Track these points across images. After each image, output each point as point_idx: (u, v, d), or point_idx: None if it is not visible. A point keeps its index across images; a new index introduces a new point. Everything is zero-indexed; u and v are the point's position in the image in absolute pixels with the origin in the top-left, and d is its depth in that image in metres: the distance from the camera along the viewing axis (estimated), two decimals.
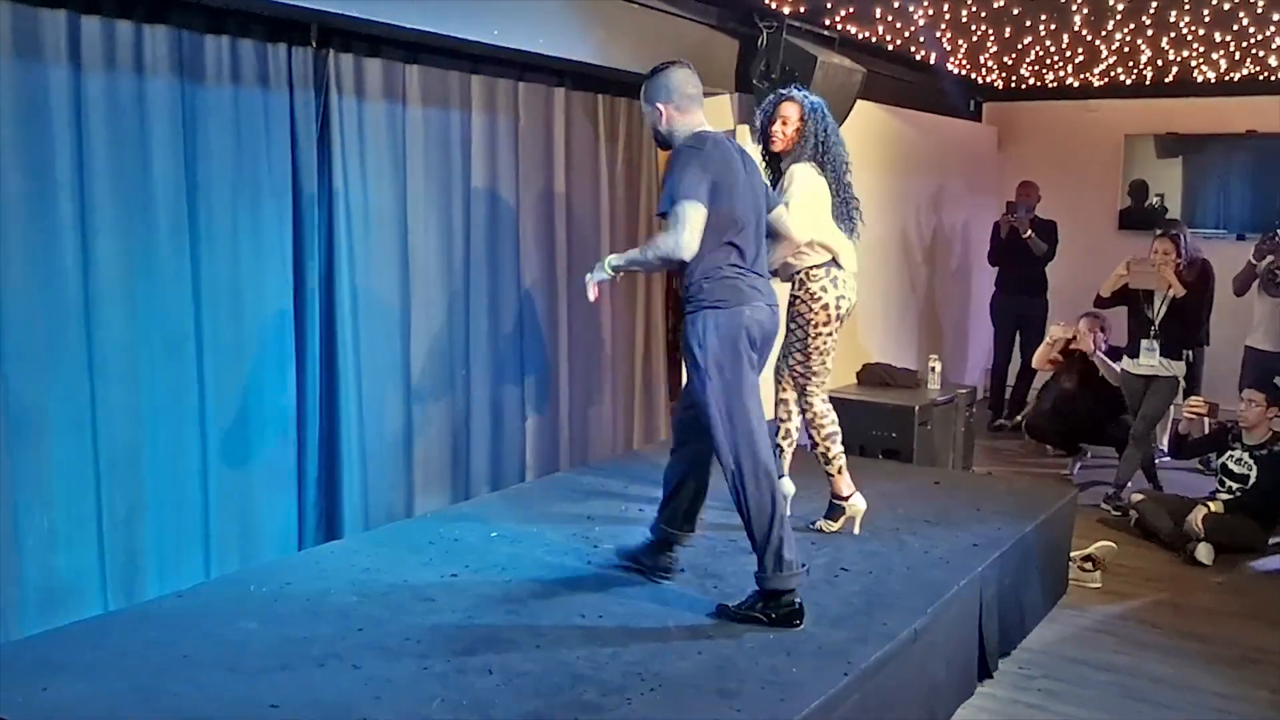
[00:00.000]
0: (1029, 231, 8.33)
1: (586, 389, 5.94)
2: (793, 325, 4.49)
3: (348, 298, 4.59)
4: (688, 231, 3.44)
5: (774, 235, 4.01)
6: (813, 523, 4.59)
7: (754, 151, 4.35)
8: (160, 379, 4.02)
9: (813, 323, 4.43)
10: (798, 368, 4.52)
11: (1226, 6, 5.73)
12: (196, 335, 4.13)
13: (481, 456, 5.35)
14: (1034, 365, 7.83)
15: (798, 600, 3.58)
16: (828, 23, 6.38)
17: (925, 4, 5.88)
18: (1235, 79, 8.34)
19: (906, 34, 6.80)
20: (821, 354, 4.49)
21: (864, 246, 7.75)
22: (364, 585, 3.81)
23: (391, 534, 4.47)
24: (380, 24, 4.27)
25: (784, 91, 4.56)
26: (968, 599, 4.03)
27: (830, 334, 4.47)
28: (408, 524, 4.69)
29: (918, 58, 7.71)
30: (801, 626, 3.53)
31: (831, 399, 4.80)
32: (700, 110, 3.73)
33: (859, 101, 6.60)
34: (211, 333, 4.17)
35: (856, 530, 4.57)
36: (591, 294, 3.71)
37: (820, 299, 4.41)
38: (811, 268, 4.42)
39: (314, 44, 4.40)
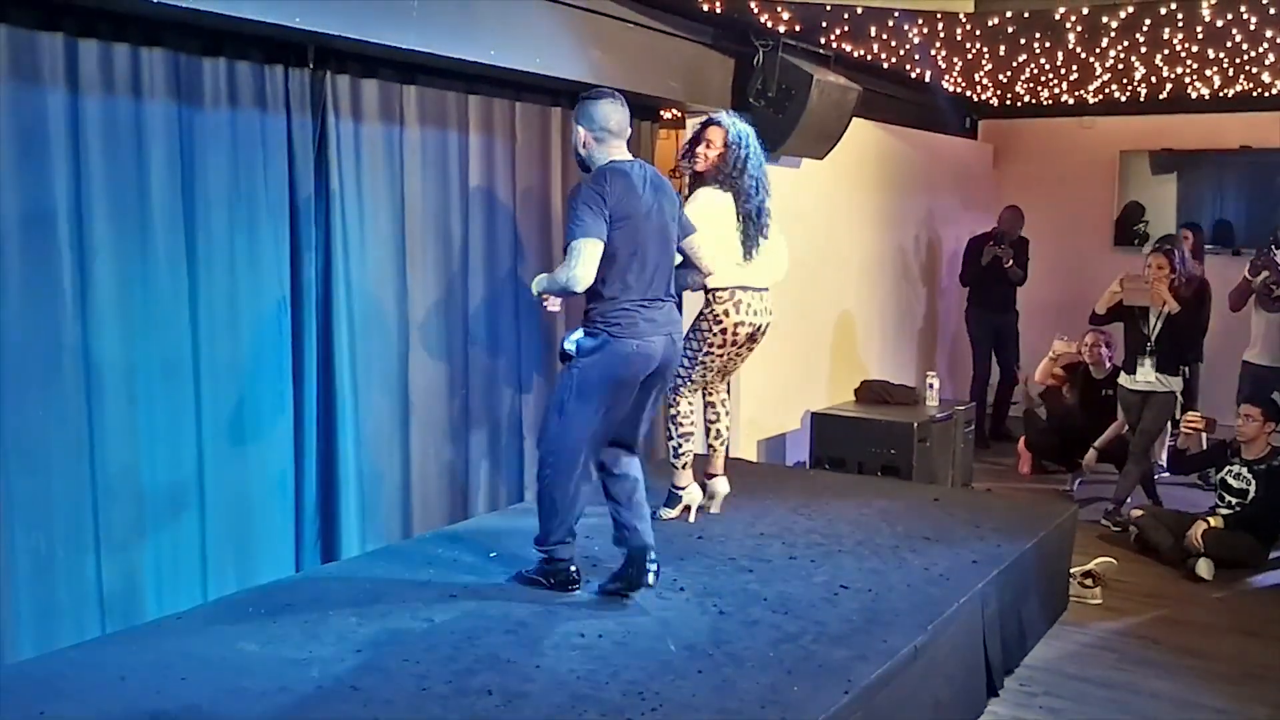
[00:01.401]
0: (1010, 262, 8.36)
1: None
2: (688, 337, 4.67)
3: (345, 319, 4.59)
4: (581, 266, 3.72)
5: (686, 262, 4.28)
6: (654, 512, 4.73)
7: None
8: (157, 401, 4.01)
9: (707, 340, 4.71)
10: (680, 372, 4.68)
11: (1220, 24, 5.75)
12: (194, 357, 4.12)
13: (480, 476, 5.34)
14: (1036, 379, 7.83)
15: (573, 567, 4.02)
16: (823, 41, 6.40)
17: (920, 22, 5.91)
18: (1229, 95, 8.37)
19: (902, 52, 6.83)
20: (706, 368, 4.77)
21: (859, 264, 7.90)
22: (362, 606, 3.80)
23: (390, 554, 4.47)
24: (377, 45, 4.28)
25: (714, 116, 4.82)
26: (968, 616, 4.02)
27: (723, 354, 4.77)
28: (406, 544, 4.68)
29: (913, 76, 7.74)
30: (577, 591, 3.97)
31: (830, 416, 4.86)
32: (620, 145, 3.96)
33: (855, 119, 6.63)
34: (209, 355, 4.16)
35: (691, 519, 4.91)
36: (551, 305, 4.10)
37: (721, 323, 4.68)
38: (717, 289, 4.65)
39: (311, 65, 4.40)
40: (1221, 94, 8.33)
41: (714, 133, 4.71)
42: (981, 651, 4.12)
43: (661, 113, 6.40)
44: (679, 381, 4.77)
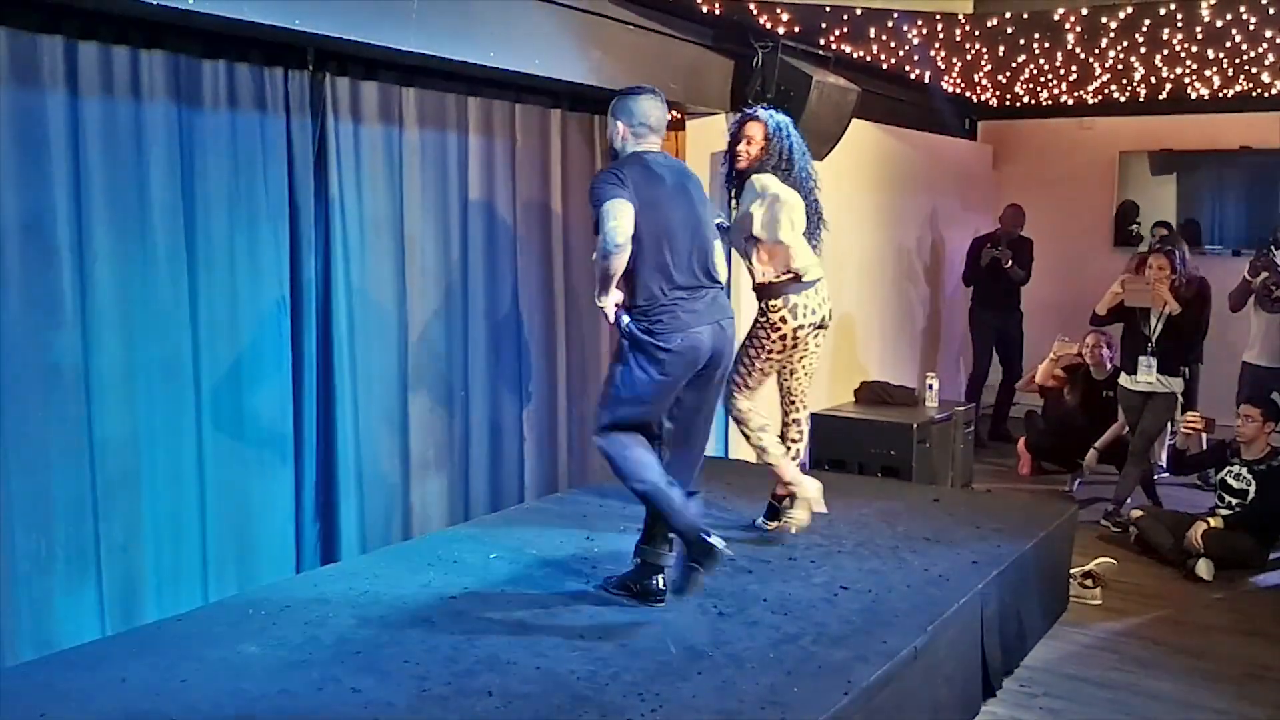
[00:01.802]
0: (1009, 263, 8.37)
1: (586, 409, 5.92)
2: (746, 340, 4.57)
3: (345, 320, 4.60)
4: (613, 220, 3.61)
5: (750, 241, 4.22)
6: (755, 521, 4.68)
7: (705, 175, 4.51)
8: (157, 402, 4.01)
9: (765, 347, 4.53)
10: (735, 375, 4.54)
11: (1219, 24, 5.76)
12: (193, 359, 4.13)
13: (480, 477, 5.34)
14: (1037, 381, 7.83)
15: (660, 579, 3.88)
16: (823, 42, 6.40)
17: (919, 23, 5.91)
18: (1229, 95, 8.38)
19: (901, 53, 6.83)
20: (764, 374, 4.60)
21: (859, 265, 7.90)
22: (363, 608, 3.80)
23: (390, 556, 4.47)
24: (377, 47, 4.28)
25: (749, 111, 4.64)
26: (968, 617, 4.02)
27: (781, 357, 4.58)
28: (406, 546, 4.68)
29: (912, 77, 7.74)
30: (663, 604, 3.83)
31: (830, 417, 4.77)
32: (655, 142, 3.91)
33: (854, 120, 6.63)
34: (208, 356, 4.17)
35: (822, 509, 4.68)
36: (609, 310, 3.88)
37: (780, 329, 4.49)
38: (772, 299, 4.48)
39: (310, 68, 4.41)
40: (1221, 94, 8.33)
41: (753, 128, 4.52)
42: (980, 652, 4.12)
43: None
44: (732, 387, 4.55)
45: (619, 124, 3.90)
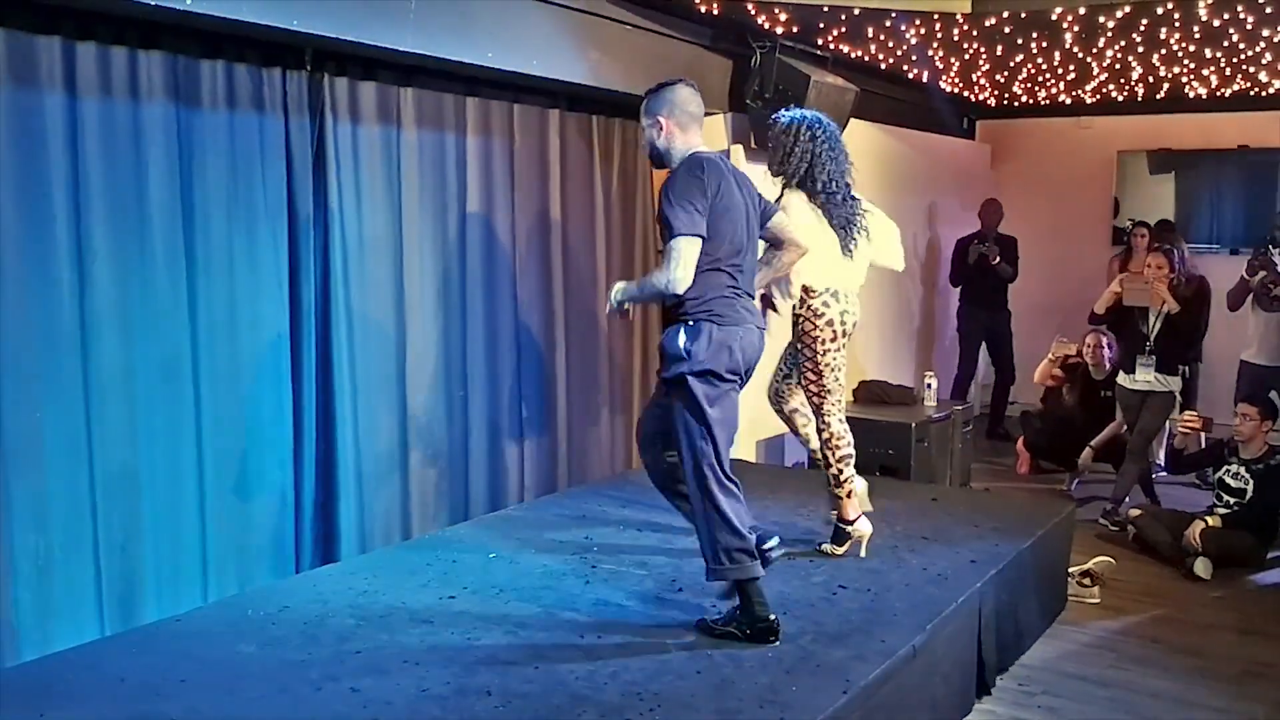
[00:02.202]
0: (997, 259, 8.37)
1: (584, 409, 5.94)
2: (800, 345, 4.46)
3: (344, 321, 4.60)
4: (681, 268, 3.45)
5: (776, 244, 4.01)
6: (818, 545, 4.53)
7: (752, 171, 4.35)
8: (156, 403, 4.02)
9: (820, 339, 4.38)
10: (812, 387, 4.45)
11: (1216, 23, 5.76)
12: (193, 359, 4.13)
13: (479, 478, 5.35)
14: (1035, 381, 7.83)
15: (772, 615, 3.58)
16: (821, 42, 6.41)
17: (917, 23, 5.91)
18: (1226, 95, 8.38)
19: (899, 53, 6.84)
20: (834, 370, 4.42)
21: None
22: (362, 607, 3.80)
23: (389, 556, 4.47)
24: (375, 48, 4.29)
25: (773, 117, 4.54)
26: (966, 616, 4.03)
27: (839, 350, 4.42)
28: (405, 546, 4.68)
29: (910, 76, 7.75)
30: (776, 643, 3.54)
31: None
32: (699, 131, 3.73)
33: (852, 120, 6.63)
34: (207, 357, 4.18)
35: (863, 553, 4.48)
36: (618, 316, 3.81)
37: (824, 314, 4.36)
38: (808, 286, 4.38)
39: (309, 68, 4.41)
40: (1219, 93, 8.34)
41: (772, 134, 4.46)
42: (976, 650, 4.12)
43: None
44: (819, 400, 4.44)
45: (661, 119, 3.65)
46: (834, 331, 4.39)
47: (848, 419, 4.56)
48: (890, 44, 6.54)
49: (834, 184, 4.42)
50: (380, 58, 4.53)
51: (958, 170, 9.41)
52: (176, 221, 4.05)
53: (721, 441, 3.59)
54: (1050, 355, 7.67)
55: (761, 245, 3.94)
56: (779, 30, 5.99)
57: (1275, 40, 6.20)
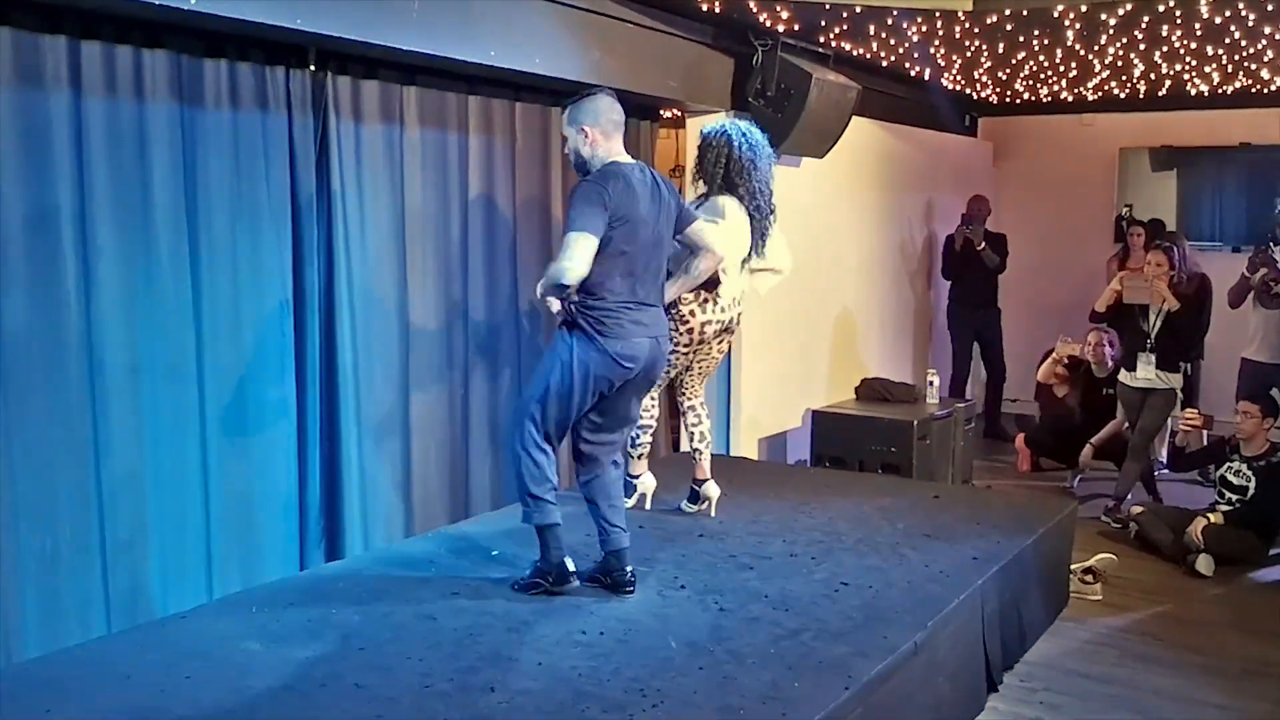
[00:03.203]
0: (983, 244, 8.35)
1: None
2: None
3: (347, 319, 4.61)
4: (570, 260, 3.61)
5: (694, 251, 4.23)
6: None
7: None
8: (161, 401, 4.03)
9: (675, 341, 4.59)
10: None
11: (1218, 20, 5.77)
12: (197, 357, 4.14)
13: (482, 475, 5.36)
14: (1038, 379, 7.84)
15: (567, 559, 3.91)
16: (822, 40, 6.41)
17: (919, 20, 5.92)
18: (1229, 92, 8.38)
19: (901, 50, 6.84)
20: (670, 365, 4.67)
21: (859, 263, 7.91)
22: (366, 604, 3.81)
23: (393, 553, 4.48)
24: (378, 46, 4.30)
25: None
26: (968, 613, 4.04)
27: (688, 353, 4.71)
28: (409, 543, 4.69)
29: (912, 74, 7.75)
30: (577, 584, 3.91)
31: (830, 414, 4.79)
32: (620, 138, 3.90)
33: (854, 118, 6.65)
34: (212, 355, 4.19)
35: (712, 513, 4.90)
36: (554, 307, 4.04)
37: (688, 323, 4.60)
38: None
39: (312, 67, 4.42)
40: (1221, 90, 8.34)
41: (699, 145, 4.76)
42: (981, 648, 4.13)
43: (661, 112, 6.41)
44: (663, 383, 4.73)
45: (586, 128, 3.82)
46: (690, 339, 4.65)
47: (849, 416, 4.63)
48: (892, 41, 6.55)
49: (759, 195, 4.67)
50: (383, 57, 4.54)
51: (960, 168, 9.41)
52: (181, 220, 4.05)
53: (553, 414, 3.84)
54: (1054, 356, 7.68)
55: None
56: (781, 28, 6.00)
57: (1277, 37, 6.21)
